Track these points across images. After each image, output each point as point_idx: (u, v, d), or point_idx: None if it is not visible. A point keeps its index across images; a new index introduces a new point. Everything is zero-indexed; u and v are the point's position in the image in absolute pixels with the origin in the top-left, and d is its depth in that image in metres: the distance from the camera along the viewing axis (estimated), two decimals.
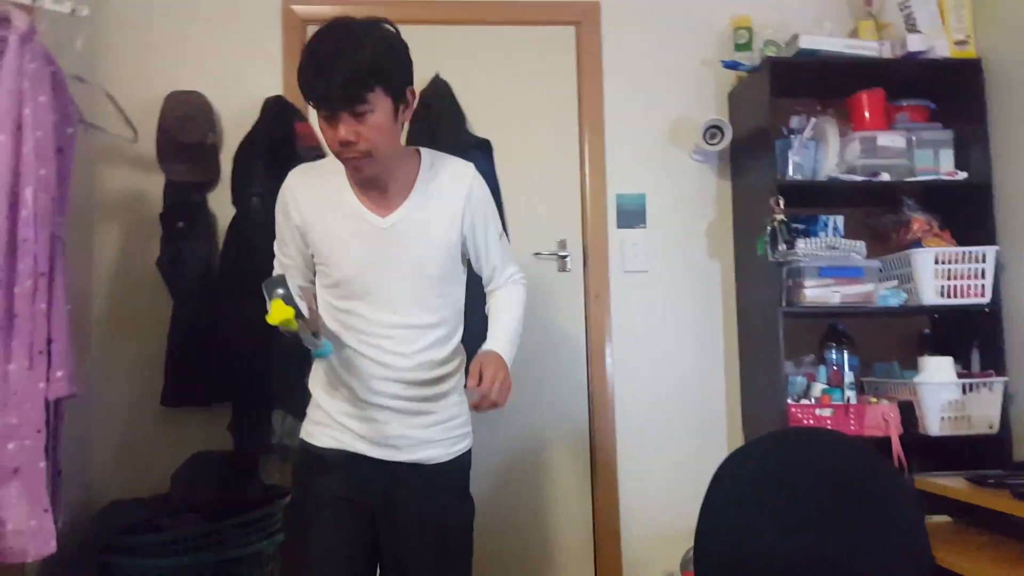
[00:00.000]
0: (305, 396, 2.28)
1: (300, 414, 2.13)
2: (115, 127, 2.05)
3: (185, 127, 2.23)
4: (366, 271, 1.42)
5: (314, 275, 1.51)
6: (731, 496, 1.67)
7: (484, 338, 2.23)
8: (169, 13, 2.36)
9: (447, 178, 1.47)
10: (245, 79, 2.34)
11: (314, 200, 1.44)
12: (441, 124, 2.25)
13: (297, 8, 2.39)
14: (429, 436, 1.47)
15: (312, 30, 2.48)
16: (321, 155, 2.26)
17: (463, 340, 1.55)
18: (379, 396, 1.44)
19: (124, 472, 2.22)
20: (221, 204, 2.26)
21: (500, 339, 1.48)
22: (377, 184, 1.41)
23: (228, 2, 2.38)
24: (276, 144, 2.20)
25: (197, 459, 2.13)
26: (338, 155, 1.36)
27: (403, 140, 2.25)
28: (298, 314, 1.24)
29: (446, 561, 1.47)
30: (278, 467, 2.23)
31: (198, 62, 2.34)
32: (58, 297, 1.59)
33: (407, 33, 2.39)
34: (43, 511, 1.53)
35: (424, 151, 1.50)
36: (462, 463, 1.53)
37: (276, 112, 2.24)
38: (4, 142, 1.55)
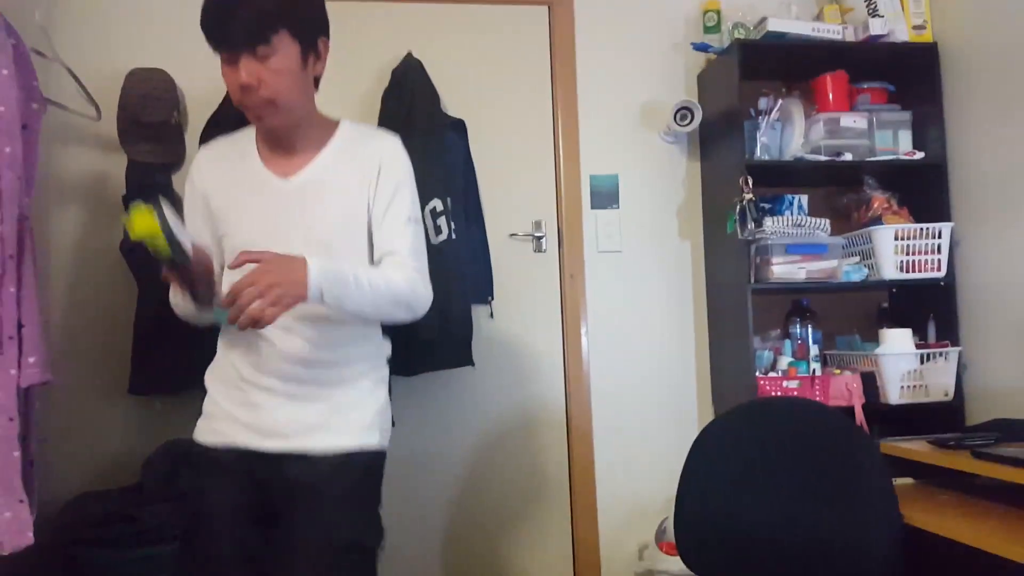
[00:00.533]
0: None
1: None
2: (75, 104, 1.97)
3: (147, 106, 2.14)
4: (264, 236, 1.29)
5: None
6: (709, 462, 1.73)
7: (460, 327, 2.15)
8: None
9: (367, 147, 1.37)
10: (212, 57, 2.26)
11: (219, 168, 1.38)
12: (415, 103, 2.22)
13: None
14: (320, 421, 1.31)
15: None
16: None
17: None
18: (266, 377, 1.30)
19: (92, 463, 2.15)
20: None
21: (333, 263, 1.21)
22: (283, 143, 1.34)
23: None
24: (244, 124, 2.14)
25: (170, 447, 2.08)
26: (240, 104, 1.27)
27: (376, 118, 2.26)
28: (169, 237, 1.08)
29: None
30: None
31: (163, 38, 2.26)
32: (28, 280, 1.53)
33: (378, 9, 2.37)
34: (18, 502, 1.48)
35: (347, 121, 1.41)
36: (360, 463, 1.32)
37: None
38: None
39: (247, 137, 1.40)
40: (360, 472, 1.32)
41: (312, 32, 1.30)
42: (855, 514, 1.59)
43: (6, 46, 1.54)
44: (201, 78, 2.22)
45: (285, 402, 1.30)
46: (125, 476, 2.08)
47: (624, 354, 2.45)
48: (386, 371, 1.45)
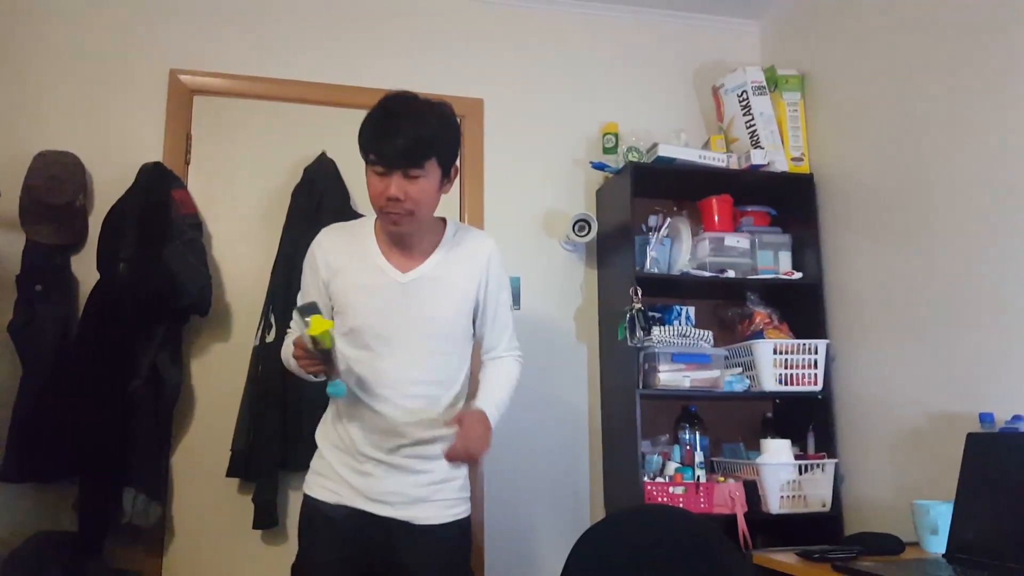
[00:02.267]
0: (159, 474, 2.20)
1: (153, 493, 2.07)
2: None
3: (53, 188, 2.17)
4: (381, 320, 1.50)
5: None
6: (585, 573, 1.74)
7: None
8: (51, 71, 2.33)
9: (469, 245, 1.59)
10: (124, 144, 2.32)
11: (341, 253, 1.56)
12: (324, 199, 2.31)
13: (184, 78, 2.41)
14: (421, 494, 1.52)
15: (199, 100, 2.51)
16: (197, 223, 2.27)
17: None
18: (376, 450, 1.50)
19: None
20: (84, 268, 2.20)
21: (489, 401, 1.55)
22: (404, 243, 1.54)
23: (114, 66, 2.38)
24: (150, 210, 2.18)
25: (37, 540, 1.99)
26: (381, 209, 1.46)
27: (284, 213, 2.32)
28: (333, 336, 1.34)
29: None
30: (127, 549, 2.11)
31: (75, 123, 2.31)
32: None
33: (294, 111, 2.51)
34: None
35: (450, 221, 1.62)
36: (460, 529, 1.56)
37: (154, 178, 2.23)
38: None
39: (364, 229, 1.58)
40: (458, 535, 1.57)
41: (452, 159, 1.50)
42: None
43: None
44: (111, 164, 2.28)
45: (392, 472, 1.51)
46: None
47: (520, 453, 2.47)
48: None
